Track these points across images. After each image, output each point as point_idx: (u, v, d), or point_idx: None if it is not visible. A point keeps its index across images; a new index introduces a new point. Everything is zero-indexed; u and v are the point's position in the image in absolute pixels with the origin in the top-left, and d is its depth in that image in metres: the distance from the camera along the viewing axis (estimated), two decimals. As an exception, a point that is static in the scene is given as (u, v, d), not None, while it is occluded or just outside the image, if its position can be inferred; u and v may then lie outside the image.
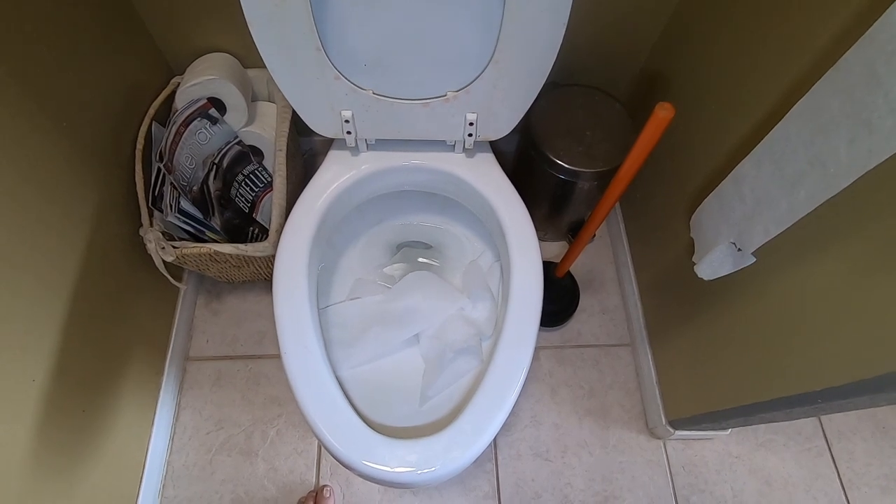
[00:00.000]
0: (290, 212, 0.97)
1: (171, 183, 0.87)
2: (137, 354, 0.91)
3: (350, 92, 0.69)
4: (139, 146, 0.89)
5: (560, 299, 1.15)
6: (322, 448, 0.99)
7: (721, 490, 1.02)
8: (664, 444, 1.05)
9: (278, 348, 0.66)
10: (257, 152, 1.06)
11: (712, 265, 0.67)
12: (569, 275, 1.18)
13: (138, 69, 0.92)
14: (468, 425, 0.63)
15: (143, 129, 0.91)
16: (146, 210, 0.87)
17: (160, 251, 0.85)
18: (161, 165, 0.86)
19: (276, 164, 0.96)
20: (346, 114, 0.72)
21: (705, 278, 0.70)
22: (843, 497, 1.02)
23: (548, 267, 1.01)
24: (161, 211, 0.89)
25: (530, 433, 1.04)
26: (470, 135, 0.76)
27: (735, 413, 0.82)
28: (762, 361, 0.73)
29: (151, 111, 0.93)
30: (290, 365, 0.65)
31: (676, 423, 0.98)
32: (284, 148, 0.98)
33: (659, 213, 1.02)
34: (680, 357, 0.97)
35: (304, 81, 0.68)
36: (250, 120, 1.03)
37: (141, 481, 0.89)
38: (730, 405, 0.82)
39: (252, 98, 1.06)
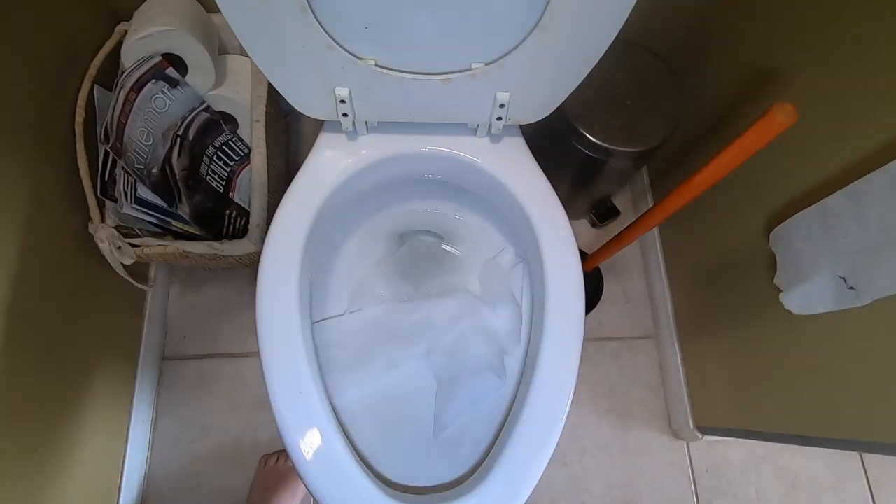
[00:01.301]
0: (272, 198, 0.82)
1: (124, 168, 0.70)
2: (102, 363, 0.78)
3: (347, 65, 0.52)
4: (79, 118, 0.71)
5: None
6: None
7: (745, 492, 0.96)
8: (687, 446, 0.98)
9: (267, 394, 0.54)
10: (229, 119, 0.88)
11: (807, 299, 0.54)
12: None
13: (72, 14, 0.72)
14: (500, 488, 0.53)
15: (83, 94, 0.73)
16: (94, 201, 0.71)
17: (115, 252, 0.70)
18: (107, 147, 0.69)
19: (255, 138, 0.79)
20: (342, 92, 0.56)
21: (795, 312, 0.57)
22: (870, 498, 0.98)
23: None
24: (114, 200, 0.73)
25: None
26: (499, 118, 0.60)
27: (780, 438, 0.73)
28: (827, 396, 0.64)
29: (92, 71, 0.74)
30: (286, 422, 0.53)
31: (706, 430, 0.91)
32: (263, 117, 0.80)
33: (704, 196, 0.88)
34: (716, 360, 0.87)
35: (286, 53, 0.50)
36: (219, 80, 0.84)
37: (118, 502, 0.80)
38: (774, 430, 0.73)
39: (220, 50, 0.86)
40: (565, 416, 0.57)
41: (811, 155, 0.58)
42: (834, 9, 0.59)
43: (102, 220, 0.72)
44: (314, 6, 0.47)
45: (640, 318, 1.05)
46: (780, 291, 0.59)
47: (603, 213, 1.07)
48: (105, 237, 0.69)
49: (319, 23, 0.48)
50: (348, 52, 0.52)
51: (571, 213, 1.11)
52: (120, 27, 0.80)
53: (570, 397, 0.58)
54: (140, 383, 0.87)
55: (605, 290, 1.06)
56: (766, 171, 0.69)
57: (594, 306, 1.04)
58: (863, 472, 0.99)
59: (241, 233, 0.88)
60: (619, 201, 1.09)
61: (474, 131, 0.64)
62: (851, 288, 0.48)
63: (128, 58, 0.74)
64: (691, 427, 0.92)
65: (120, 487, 0.80)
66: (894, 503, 0.97)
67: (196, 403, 0.92)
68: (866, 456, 1.01)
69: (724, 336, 0.84)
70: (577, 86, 0.57)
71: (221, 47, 0.86)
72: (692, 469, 0.97)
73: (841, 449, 0.64)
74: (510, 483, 0.53)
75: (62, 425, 0.69)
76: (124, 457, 0.82)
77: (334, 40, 0.50)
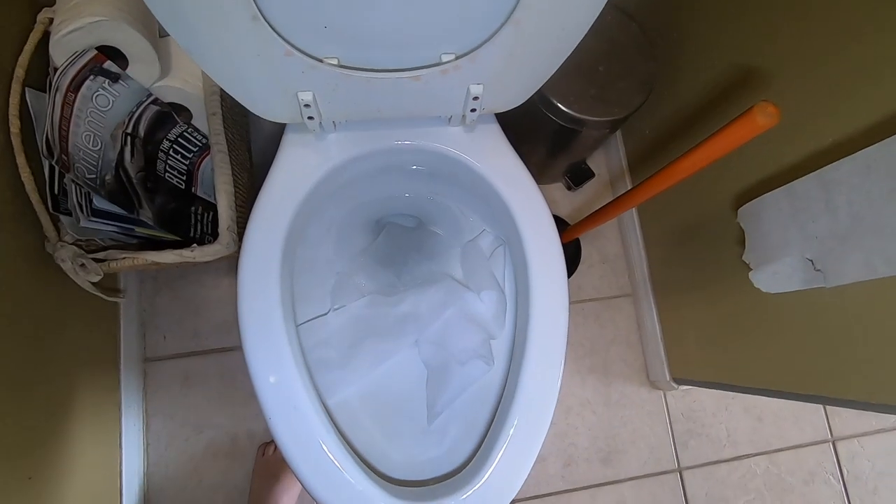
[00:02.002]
0: (239, 195, 0.78)
1: (73, 181, 0.65)
2: (82, 376, 0.76)
3: (308, 69, 0.49)
4: (13, 129, 0.65)
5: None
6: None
7: (717, 431, 1.04)
8: (664, 395, 1.04)
9: (259, 407, 0.54)
10: (181, 109, 0.82)
11: (776, 279, 0.56)
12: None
13: (-18, 7, 0.64)
14: (498, 475, 0.55)
15: (14, 100, 0.66)
16: (47, 218, 0.67)
17: (80, 270, 0.67)
18: (52, 162, 0.63)
19: (212, 133, 0.74)
20: (306, 96, 0.52)
21: (764, 290, 0.60)
22: (826, 424, 1.07)
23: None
24: (69, 214, 0.68)
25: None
26: (473, 109, 0.58)
27: (750, 391, 0.78)
28: (795, 355, 0.68)
29: (19, 72, 0.66)
30: (282, 435, 0.53)
31: (682, 381, 0.96)
32: (219, 109, 0.75)
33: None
34: (691, 317, 0.91)
35: (240, 64, 0.46)
36: (164, 69, 0.77)
37: (121, 508, 0.81)
38: (747, 384, 0.78)
39: (161, 33, 0.78)
40: (556, 398, 0.59)
41: (783, 136, 0.58)
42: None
43: (59, 237, 0.67)
44: (266, 13, 0.42)
45: (617, 278, 1.08)
46: (750, 269, 0.61)
47: (578, 176, 1.06)
48: (67, 256, 0.65)
49: (274, 29, 0.44)
50: (308, 55, 0.48)
51: (546, 178, 1.11)
52: (42, 15, 0.71)
53: (560, 379, 0.59)
54: (126, 389, 0.85)
55: (583, 253, 1.08)
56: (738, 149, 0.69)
57: (573, 273, 1.06)
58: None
59: (210, 230, 0.84)
60: (594, 163, 1.09)
61: (447, 122, 0.62)
62: (819, 270, 0.49)
63: (58, 55, 0.67)
64: (668, 379, 0.97)
65: (121, 494, 0.81)
66: (848, 429, 1.07)
67: (186, 402, 0.92)
68: (824, 388, 1.09)
69: (698, 296, 0.87)
70: (551, 75, 0.54)
71: (162, 30, 0.79)
72: (669, 415, 1.03)
73: (805, 401, 0.69)
74: (509, 467, 0.55)
75: (53, 447, 0.68)
76: (120, 464, 0.82)
77: (292, 45, 0.46)
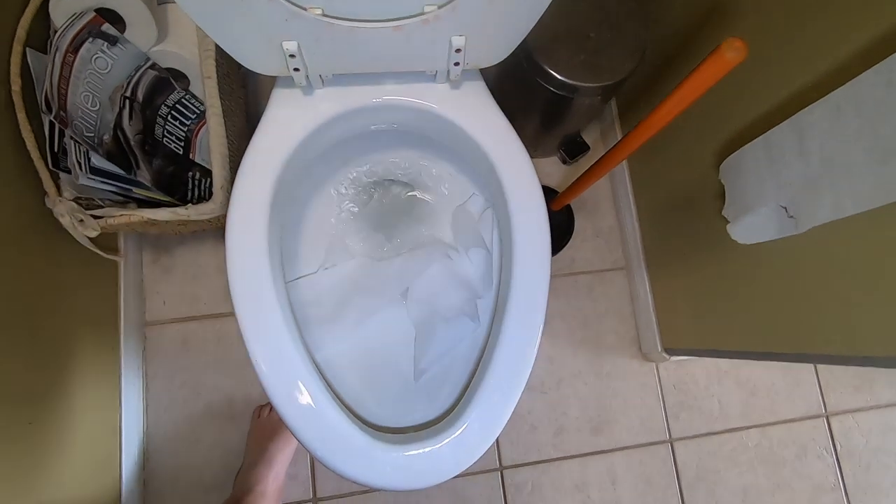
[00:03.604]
0: (233, 158, 0.80)
1: (72, 138, 0.68)
2: (83, 335, 0.79)
3: (291, 17, 0.50)
4: (15, 87, 0.67)
5: (554, 231, 1.05)
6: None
7: (708, 404, 1.04)
8: (657, 367, 1.05)
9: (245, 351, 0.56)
10: (179, 76, 0.84)
11: (751, 229, 0.57)
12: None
13: (-15, -31, 0.66)
14: (476, 424, 0.57)
15: (16, 60, 0.68)
16: (47, 174, 0.69)
17: (78, 226, 0.69)
18: (52, 118, 0.65)
19: (208, 96, 0.76)
20: (290, 46, 0.53)
21: (741, 242, 0.60)
22: (821, 399, 1.07)
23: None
24: (68, 171, 0.70)
25: (525, 368, 1.02)
26: (456, 63, 0.59)
27: (738, 355, 0.79)
28: (778, 314, 0.68)
29: (21, 33, 0.69)
30: (268, 379, 0.55)
31: (672, 351, 0.97)
32: (214, 73, 0.77)
33: (670, 130, 0.88)
34: (681, 286, 0.91)
35: (224, 9, 0.48)
36: (161, 34, 0.79)
37: (120, 464, 0.83)
38: (735, 348, 0.79)
39: (159, 0, 0.80)
40: (535, 351, 0.60)
41: (759, 85, 0.59)
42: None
43: (59, 193, 0.70)
44: (248, -45, 0.44)
45: (611, 251, 1.08)
46: (728, 223, 0.62)
47: (573, 149, 1.07)
48: (65, 211, 0.67)
49: (256, -27, 0.45)
50: (291, 2, 0.49)
51: (541, 152, 1.12)
52: (43, -20, 0.73)
53: (539, 334, 0.60)
54: (126, 351, 0.88)
55: (577, 227, 1.09)
56: (718, 103, 0.69)
57: (566, 243, 1.07)
58: (815, 376, 1.08)
59: (207, 194, 0.86)
60: (589, 136, 1.09)
61: (433, 78, 0.63)
62: (791, 217, 0.50)
63: (57, 16, 0.69)
64: (659, 349, 0.98)
65: (120, 451, 0.84)
66: (842, 404, 1.07)
67: (185, 365, 0.94)
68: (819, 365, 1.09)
69: (688, 263, 0.88)
70: (533, 25, 0.55)
71: (159, -4, 0.81)
72: (661, 387, 1.04)
73: (792, 361, 0.69)
74: (486, 417, 0.56)
75: (53, 398, 0.71)
76: (120, 422, 0.85)
77: (275, -9, 0.47)
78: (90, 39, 0.71)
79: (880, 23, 0.44)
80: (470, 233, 0.76)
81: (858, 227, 0.50)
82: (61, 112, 0.66)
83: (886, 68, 0.40)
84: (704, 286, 0.84)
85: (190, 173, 0.86)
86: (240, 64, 0.58)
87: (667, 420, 1.02)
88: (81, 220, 0.69)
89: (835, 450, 1.05)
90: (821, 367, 1.09)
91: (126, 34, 0.75)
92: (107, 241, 0.84)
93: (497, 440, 0.97)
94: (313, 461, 0.94)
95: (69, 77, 0.69)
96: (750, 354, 0.76)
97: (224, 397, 0.94)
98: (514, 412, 0.95)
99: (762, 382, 1.06)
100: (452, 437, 0.56)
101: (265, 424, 0.90)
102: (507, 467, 0.97)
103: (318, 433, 0.54)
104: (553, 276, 1.05)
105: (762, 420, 1.04)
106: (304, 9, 0.50)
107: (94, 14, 0.70)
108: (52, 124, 0.69)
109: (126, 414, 0.86)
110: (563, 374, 1.02)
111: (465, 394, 0.63)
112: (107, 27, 0.72)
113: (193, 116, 0.86)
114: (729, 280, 0.77)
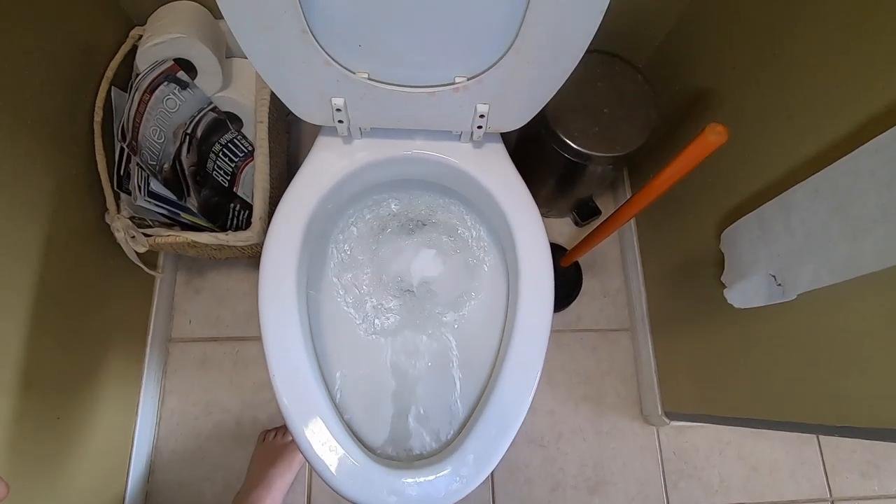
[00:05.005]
0: (273, 194, 0.89)
1: (139, 164, 0.77)
2: (115, 343, 0.85)
3: (342, 78, 0.59)
4: (97, 118, 0.77)
5: (563, 286, 1.10)
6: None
7: (709, 476, 1.03)
8: (657, 431, 1.05)
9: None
10: (235, 119, 0.95)
11: (745, 294, 0.61)
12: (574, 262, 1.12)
13: (90, 21, 0.78)
14: (471, 455, 0.60)
15: (101, 95, 0.79)
16: (111, 193, 0.78)
17: (130, 241, 0.77)
18: (124, 145, 0.75)
19: (258, 138, 0.85)
20: (338, 102, 0.62)
21: (736, 305, 0.64)
22: (825, 482, 1.05)
23: (554, 253, 0.95)
24: (129, 193, 0.79)
25: (526, 419, 1.03)
26: (479, 126, 0.67)
27: (739, 422, 0.80)
28: (775, 382, 0.70)
29: (109, 73, 0.80)
30: (286, 402, 0.60)
31: (673, 416, 0.98)
32: (266, 119, 0.87)
33: (677, 203, 0.95)
34: (684, 351, 0.94)
35: (287, 68, 0.57)
36: (225, 83, 0.90)
37: (128, 472, 0.87)
38: (736, 415, 0.80)
39: (227, 54, 0.92)
40: (532, 397, 0.63)
41: (755, 165, 0.65)
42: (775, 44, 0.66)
43: (118, 211, 0.78)
44: (313, 28, 0.53)
45: (617, 312, 1.12)
46: (725, 287, 0.66)
47: (585, 212, 1.13)
48: (121, 227, 0.76)
49: (318, 42, 0.54)
50: (344, 67, 0.58)
51: (555, 212, 1.18)
52: (134, 31, 0.86)
53: (536, 382, 0.64)
54: (149, 363, 0.93)
55: (585, 286, 1.13)
56: (720, 180, 0.76)
57: (573, 300, 1.11)
58: (820, 458, 1.06)
59: (245, 225, 0.94)
60: (601, 201, 1.16)
61: (458, 137, 0.71)
62: (780, 284, 0.54)
63: (142, 62, 0.81)
64: (660, 412, 0.99)
65: (130, 458, 0.87)
66: (848, 490, 1.05)
67: (201, 383, 0.99)
68: (824, 443, 1.08)
69: (690, 328, 0.91)
70: (549, 99, 0.63)
71: (228, 50, 0.92)
72: (661, 452, 1.04)
73: (788, 430, 0.70)
74: (482, 451, 0.60)
75: (81, 398, 0.76)
76: (134, 430, 0.89)
77: (331, 57, 0.56)
78: (165, 83, 0.82)
79: (851, 119, 0.51)
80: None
81: (847, 299, 0.54)
82: (133, 141, 0.76)
83: (853, 159, 0.46)
84: (705, 351, 0.87)
85: (232, 204, 0.94)
86: (288, 112, 0.66)
87: (665, 487, 1.02)
88: (133, 237, 0.77)
89: (840, 538, 1.02)
90: (826, 448, 1.07)
91: (196, 80, 0.86)
92: (149, 258, 0.92)
93: (493, 493, 0.97)
94: (311, 491, 0.95)
95: (143, 113, 0.79)
96: (749, 422, 0.78)
97: (233, 418, 0.97)
98: (511, 463, 0.97)
99: (765, 458, 1.05)
100: (450, 466, 0.59)
101: (269, 449, 0.93)
102: (500, 519, 0.97)
103: (330, 461, 0.58)
104: (560, 331, 1.10)
105: (764, 497, 1.02)
106: (354, 73, 0.59)
107: (171, 63, 0.81)
108: (122, 151, 0.78)
109: (141, 425, 0.90)
110: (564, 428, 1.03)
111: (462, 429, 0.66)
112: (181, 74, 0.83)
113: (241, 155, 0.96)
114: (728, 346, 0.80)
